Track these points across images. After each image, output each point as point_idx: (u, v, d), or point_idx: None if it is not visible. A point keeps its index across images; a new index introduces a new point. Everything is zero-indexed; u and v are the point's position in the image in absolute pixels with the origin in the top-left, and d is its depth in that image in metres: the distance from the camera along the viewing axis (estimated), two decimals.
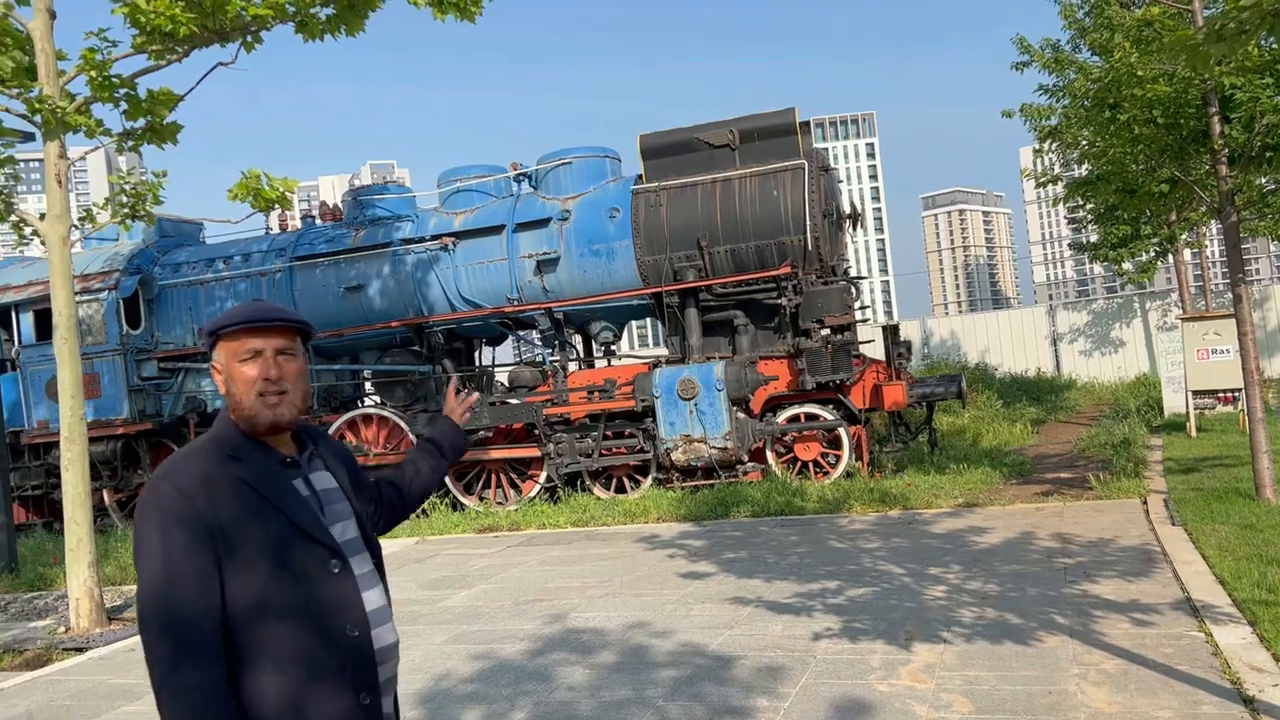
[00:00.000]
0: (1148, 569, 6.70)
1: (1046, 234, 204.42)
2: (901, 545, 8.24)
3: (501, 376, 14.46)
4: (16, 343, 14.52)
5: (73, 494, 8.00)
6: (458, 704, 5.25)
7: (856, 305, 12.35)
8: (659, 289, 12.38)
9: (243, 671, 2.00)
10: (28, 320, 14.39)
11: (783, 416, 12.08)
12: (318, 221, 14.69)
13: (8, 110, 7.99)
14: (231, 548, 2.01)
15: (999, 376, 21.51)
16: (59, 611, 9.06)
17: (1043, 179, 16.29)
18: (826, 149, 14.60)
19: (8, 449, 12.01)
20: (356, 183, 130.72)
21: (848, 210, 13.51)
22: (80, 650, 7.54)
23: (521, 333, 14.35)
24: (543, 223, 12.96)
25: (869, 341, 13.08)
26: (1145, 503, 9.04)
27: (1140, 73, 8.58)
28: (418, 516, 12.64)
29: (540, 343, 13.70)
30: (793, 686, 4.99)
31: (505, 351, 16.06)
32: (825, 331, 11.87)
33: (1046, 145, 12.95)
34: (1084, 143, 10.89)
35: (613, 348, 13.86)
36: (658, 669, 5.51)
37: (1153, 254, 23.62)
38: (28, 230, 8.56)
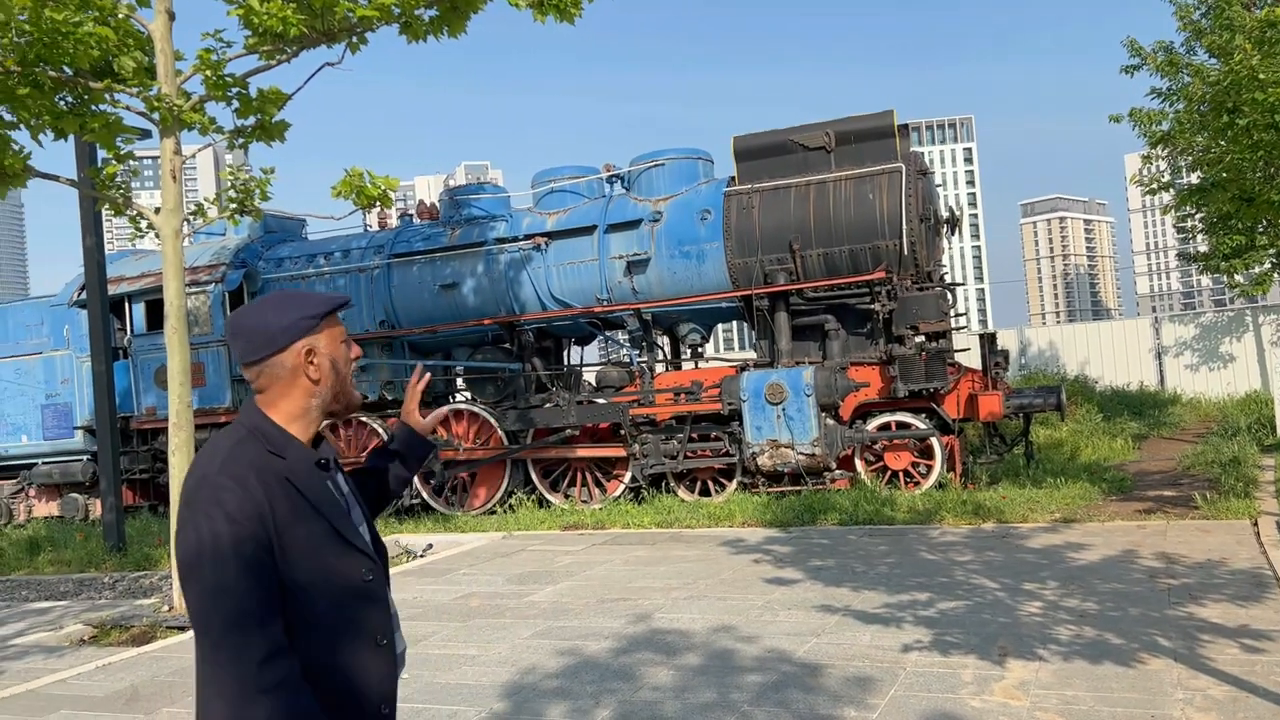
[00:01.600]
0: (1259, 593, 6.39)
1: (1151, 243, 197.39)
2: (995, 559, 8.03)
3: (589, 376, 14.56)
4: (128, 331, 15.15)
5: (178, 478, 8.30)
6: (543, 698, 5.29)
7: (952, 312, 12.09)
8: (749, 291, 12.30)
9: None
10: (139, 310, 15.00)
11: (873, 424, 11.89)
12: (415, 220, 15.00)
13: (128, 108, 8.34)
14: (282, 547, 1.95)
15: (1099, 389, 20.82)
16: (163, 591, 9.42)
17: (1151, 186, 15.71)
18: (923, 153, 14.34)
19: (119, 434, 12.54)
20: (451, 183, 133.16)
21: (945, 214, 13.24)
22: (182, 629, 7.82)
23: (609, 333, 14.42)
24: (634, 224, 13.00)
25: (964, 350, 12.79)
26: (1256, 524, 8.63)
27: (1262, 76, 8.21)
28: (504, 511, 12.80)
29: (628, 343, 13.75)
30: (881, 698, 4.89)
31: (591, 351, 16.15)
32: (919, 338, 11.64)
33: (1157, 151, 12.49)
34: (1198, 148, 10.46)
35: (700, 350, 13.83)
36: (743, 673, 5.46)
37: (1268, 265, 22.56)
38: (143, 223, 8.92)
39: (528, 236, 13.44)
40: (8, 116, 8.01)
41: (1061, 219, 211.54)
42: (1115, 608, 6.27)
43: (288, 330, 2.05)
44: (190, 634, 7.54)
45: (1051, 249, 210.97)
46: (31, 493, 16.32)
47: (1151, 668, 5.08)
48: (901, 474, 11.81)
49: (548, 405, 13.02)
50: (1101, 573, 7.28)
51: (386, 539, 11.57)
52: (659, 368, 13.43)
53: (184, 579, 1.93)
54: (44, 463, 15.82)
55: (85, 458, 15.44)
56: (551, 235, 13.37)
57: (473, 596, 8.10)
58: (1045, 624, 6.03)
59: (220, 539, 1.89)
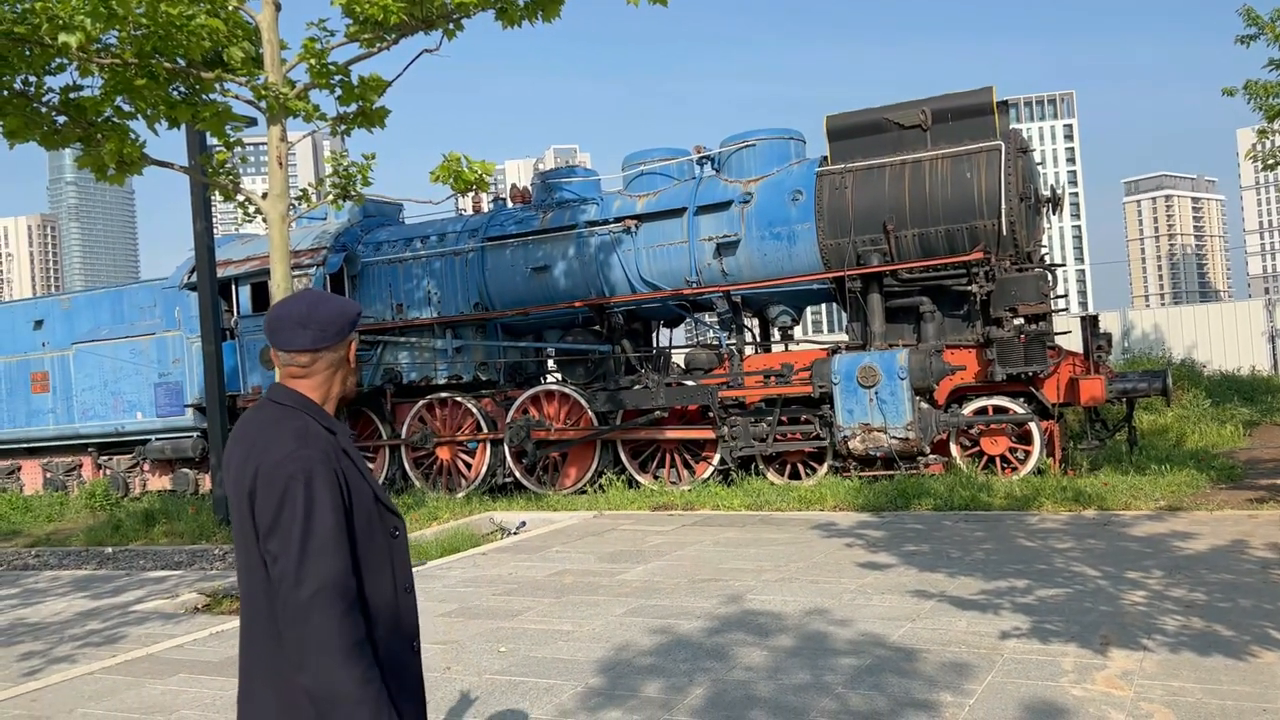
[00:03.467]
0: None
1: (1265, 222, 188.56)
2: (1096, 547, 7.83)
3: (678, 358, 14.59)
4: (235, 313, 15.70)
5: None
6: (638, 675, 5.37)
7: (1052, 294, 11.76)
8: (842, 273, 12.16)
9: None
10: (246, 293, 15.52)
11: (969, 408, 11.66)
12: (508, 204, 15.19)
13: (237, 97, 8.63)
14: (350, 511, 2.29)
15: (1207, 374, 20.03)
16: None
17: (1268, 162, 15.00)
18: (1022, 130, 13.96)
19: (227, 411, 13.05)
20: (541, 166, 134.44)
21: (1046, 193, 12.87)
22: None
23: (698, 315, 14.42)
24: (723, 205, 12.95)
25: (1065, 333, 12.44)
26: None
27: None
28: (595, 491, 12.95)
29: (717, 325, 13.72)
30: (978, 684, 4.84)
31: (679, 333, 16.18)
32: (1018, 321, 11.36)
33: (1274, 125, 11.93)
34: None
35: (789, 332, 13.73)
36: (837, 656, 5.45)
37: None
38: (251, 208, 9.23)
39: (618, 219, 13.50)
40: (126, 107, 8.37)
41: (1167, 197, 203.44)
42: (1224, 599, 6.08)
43: (354, 322, 2.42)
44: None
45: (1156, 228, 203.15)
46: (146, 467, 17.11)
47: (1264, 661, 4.92)
48: (998, 459, 11.58)
49: (637, 387, 13.09)
50: (1209, 563, 7.05)
51: (480, 516, 11.82)
52: (748, 350, 13.39)
53: (281, 542, 2.18)
54: (157, 439, 16.55)
55: (195, 434, 16.10)
56: (641, 218, 13.41)
57: (566, 573, 8.24)
58: (1150, 614, 5.87)
59: (323, 516, 2.20)
